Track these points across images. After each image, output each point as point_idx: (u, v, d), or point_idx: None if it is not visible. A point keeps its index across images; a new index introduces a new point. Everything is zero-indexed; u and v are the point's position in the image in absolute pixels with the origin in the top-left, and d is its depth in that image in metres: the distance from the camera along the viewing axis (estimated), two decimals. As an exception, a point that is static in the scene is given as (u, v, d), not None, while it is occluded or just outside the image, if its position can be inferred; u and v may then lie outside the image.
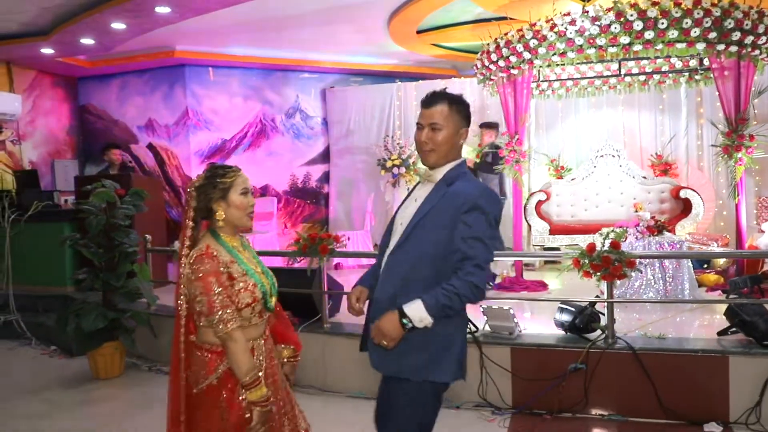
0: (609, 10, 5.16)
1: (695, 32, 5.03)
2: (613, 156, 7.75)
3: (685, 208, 7.05)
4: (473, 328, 4.19)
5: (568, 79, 7.43)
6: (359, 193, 9.45)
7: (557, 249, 7.21)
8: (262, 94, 9.22)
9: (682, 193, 7.03)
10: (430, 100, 2.15)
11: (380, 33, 7.87)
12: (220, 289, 2.00)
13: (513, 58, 5.84)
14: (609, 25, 5.13)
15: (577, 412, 3.88)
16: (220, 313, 1.99)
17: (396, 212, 2.31)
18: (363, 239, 8.28)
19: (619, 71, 6.71)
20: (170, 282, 7.09)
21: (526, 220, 7.30)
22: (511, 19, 6.87)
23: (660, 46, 5.15)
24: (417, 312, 1.98)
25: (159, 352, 5.43)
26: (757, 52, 5.36)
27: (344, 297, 5.22)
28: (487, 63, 6.24)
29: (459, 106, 2.16)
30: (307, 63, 9.31)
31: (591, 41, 5.24)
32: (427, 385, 2.11)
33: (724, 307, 4.99)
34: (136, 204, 5.15)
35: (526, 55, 5.69)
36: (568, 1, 6.22)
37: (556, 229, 7.37)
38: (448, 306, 2.00)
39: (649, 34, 5.05)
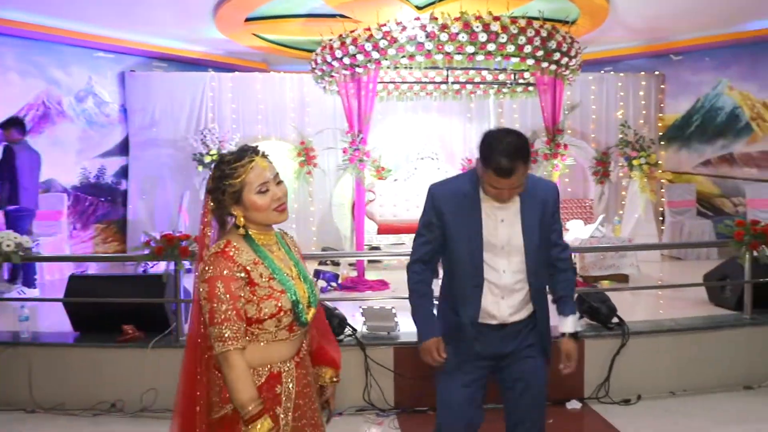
0: (457, 19, 5.44)
1: (528, 49, 5.57)
2: (432, 159, 8.22)
3: (495, 208, 7.76)
4: (350, 330, 4.07)
5: (392, 82, 7.61)
6: (165, 191, 8.55)
7: (378, 248, 7.40)
8: (45, 72, 7.76)
9: (494, 195, 7.74)
10: (510, 170, 2.09)
11: (203, 16, 7.19)
12: (227, 297, 1.63)
13: (360, 57, 5.81)
14: (457, 34, 5.40)
15: (458, 405, 3.98)
16: (219, 327, 1.63)
17: (475, 238, 2.30)
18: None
19: (447, 79, 7.10)
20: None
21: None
22: (347, 17, 6.84)
23: (498, 59, 5.58)
24: (575, 323, 2.41)
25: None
26: (568, 72, 6.15)
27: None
28: (329, 59, 6.10)
29: (527, 155, 2.16)
30: (103, 40, 8.07)
31: (440, 47, 5.46)
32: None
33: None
34: None
35: (375, 55, 5.71)
36: (411, 7, 6.42)
37: (383, 229, 7.54)
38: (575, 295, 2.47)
39: (491, 46, 5.45)
